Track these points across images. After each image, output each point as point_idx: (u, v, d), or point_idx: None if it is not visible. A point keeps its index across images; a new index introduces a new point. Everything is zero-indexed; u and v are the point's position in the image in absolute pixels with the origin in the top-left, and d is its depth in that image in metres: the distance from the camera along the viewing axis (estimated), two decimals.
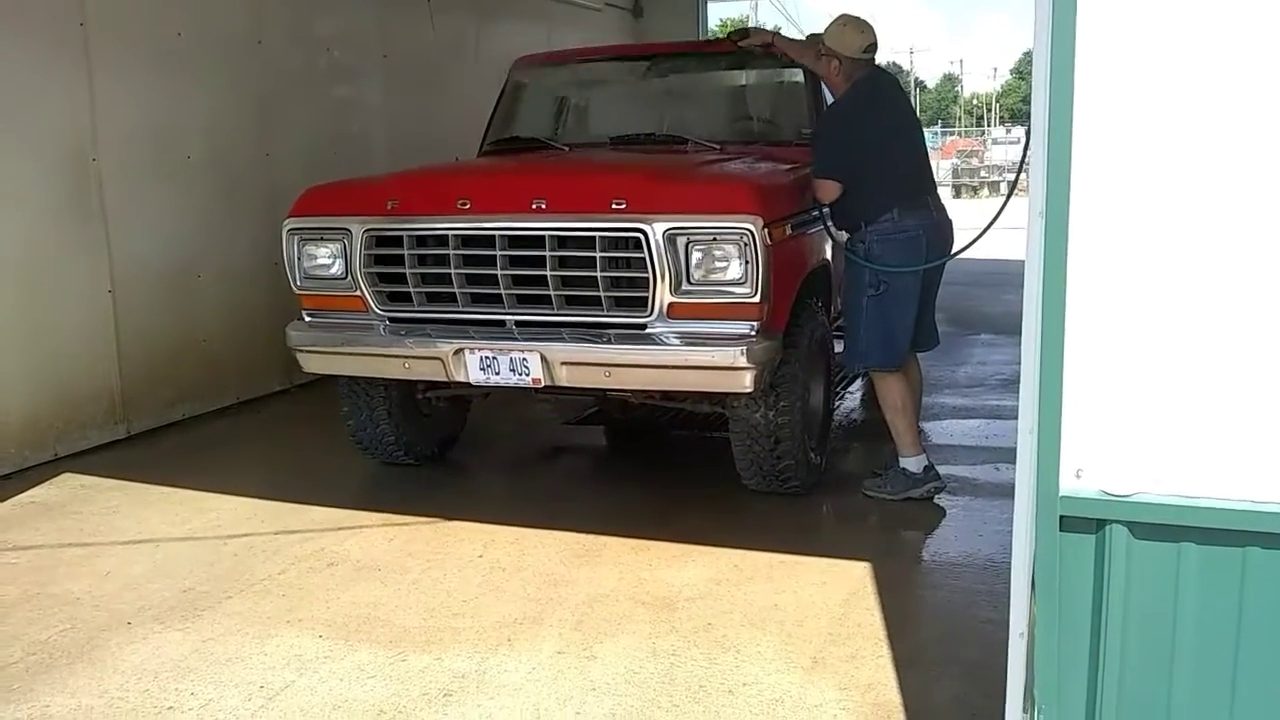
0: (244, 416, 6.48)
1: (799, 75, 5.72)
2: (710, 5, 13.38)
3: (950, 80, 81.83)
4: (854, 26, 4.67)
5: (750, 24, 35.49)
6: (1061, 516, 1.72)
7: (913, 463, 4.69)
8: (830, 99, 5.11)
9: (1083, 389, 1.69)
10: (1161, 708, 1.84)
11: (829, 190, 4.54)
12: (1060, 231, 1.61)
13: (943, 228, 4.66)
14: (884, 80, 4.85)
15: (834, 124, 4.80)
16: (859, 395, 6.95)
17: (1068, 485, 1.71)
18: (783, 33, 5.65)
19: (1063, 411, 1.67)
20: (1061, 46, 1.58)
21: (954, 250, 4.67)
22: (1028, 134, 1.96)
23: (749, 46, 5.49)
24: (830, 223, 4.66)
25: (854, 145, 4.52)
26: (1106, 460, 1.71)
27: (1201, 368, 1.68)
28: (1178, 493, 1.70)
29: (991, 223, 4.29)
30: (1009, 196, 4.28)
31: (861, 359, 4.70)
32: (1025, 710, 1.95)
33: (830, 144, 4.66)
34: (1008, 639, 2.06)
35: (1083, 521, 1.73)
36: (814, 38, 4.96)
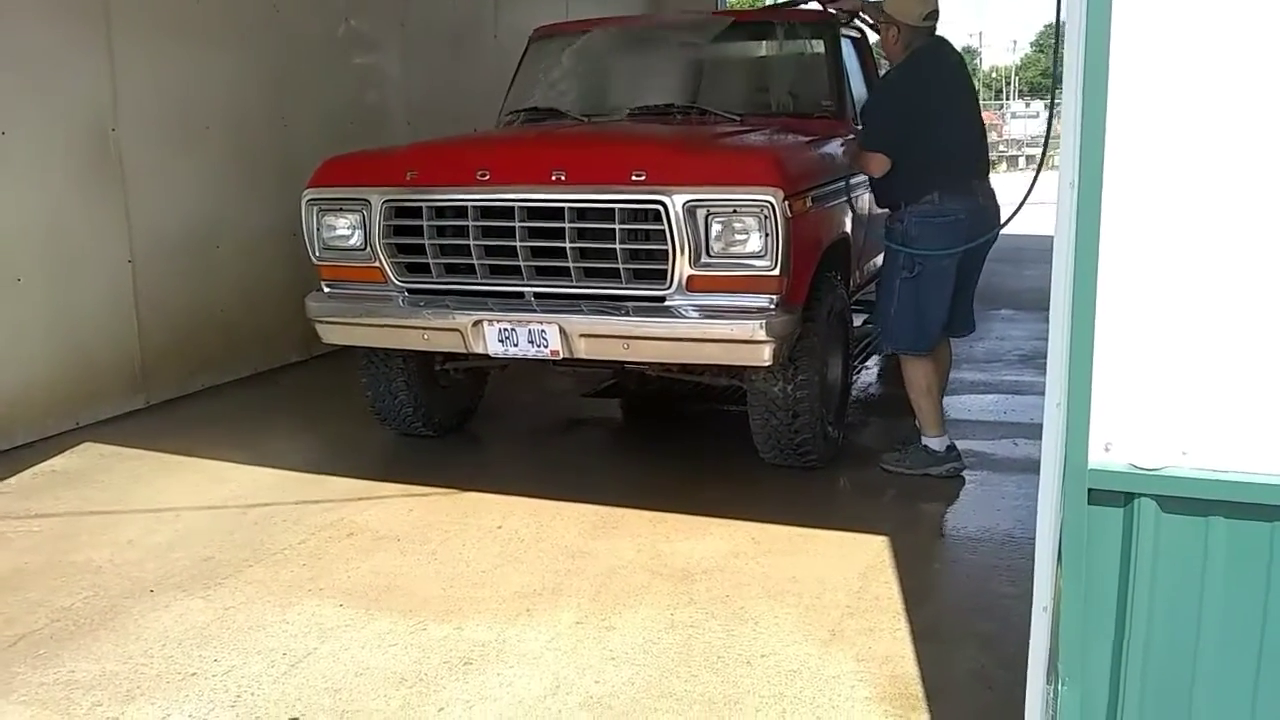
0: (263, 387, 6.51)
1: (821, 47, 5.69)
2: None
3: (969, 53, 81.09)
4: None
5: None
6: (1090, 490, 1.71)
7: (935, 442, 4.66)
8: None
9: (1112, 362, 1.67)
10: (1186, 681, 1.83)
11: (878, 164, 4.44)
12: (1093, 202, 1.59)
13: (987, 215, 4.51)
14: (946, 53, 4.64)
15: (886, 95, 4.67)
16: (876, 369, 6.94)
17: (1096, 458, 1.70)
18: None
19: (1093, 385, 1.66)
20: (1097, 14, 1.56)
21: (984, 235, 4.49)
22: (1051, 107, 1.95)
23: (837, 9, 5.44)
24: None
25: (904, 119, 4.40)
26: (1136, 433, 1.69)
27: (1231, 341, 1.67)
28: (1206, 466, 1.68)
29: (1023, 202, 4.25)
30: (1037, 175, 4.20)
31: (892, 341, 4.64)
32: (1049, 683, 1.95)
33: (881, 115, 4.55)
34: (1027, 612, 2.05)
35: (1111, 495, 1.72)
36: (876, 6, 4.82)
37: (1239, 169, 1.64)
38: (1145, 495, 1.71)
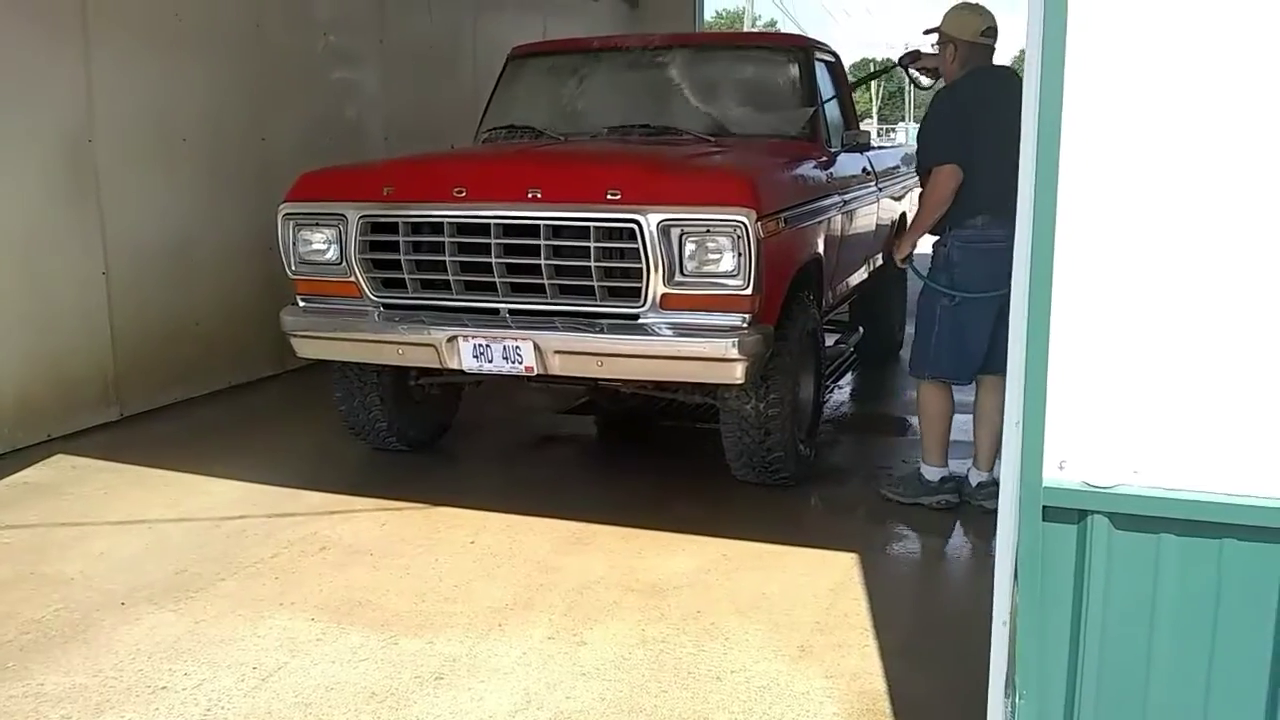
0: (236, 400, 6.50)
1: (795, 70, 5.76)
2: None
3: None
4: (971, 9, 4.42)
5: (746, 17, 35.47)
6: (1045, 507, 1.77)
7: (932, 471, 4.59)
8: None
9: (1067, 382, 1.73)
10: (1139, 695, 1.88)
11: (949, 177, 4.25)
12: (1047, 228, 1.65)
13: None
14: (1003, 75, 4.48)
15: (945, 106, 4.43)
16: (848, 388, 7.01)
17: (1051, 476, 1.76)
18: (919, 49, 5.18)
19: (1047, 404, 1.72)
20: (1052, 52, 1.62)
21: None
22: None
23: (920, 68, 5.00)
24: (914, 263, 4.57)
25: (963, 133, 4.24)
26: (1089, 452, 1.75)
27: (1182, 362, 1.73)
28: (1157, 484, 1.74)
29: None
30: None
31: (930, 366, 4.49)
32: (1006, 696, 2.00)
33: (942, 127, 4.36)
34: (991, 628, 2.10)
35: (1065, 512, 1.78)
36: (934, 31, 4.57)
37: (1186, 197, 1.71)
38: (1098, 513, 1.76)
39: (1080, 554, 1.78)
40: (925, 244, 4.62)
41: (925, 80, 5.13)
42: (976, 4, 4.46)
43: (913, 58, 5.12)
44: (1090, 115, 1.66)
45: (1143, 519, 1.75)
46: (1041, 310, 1.69)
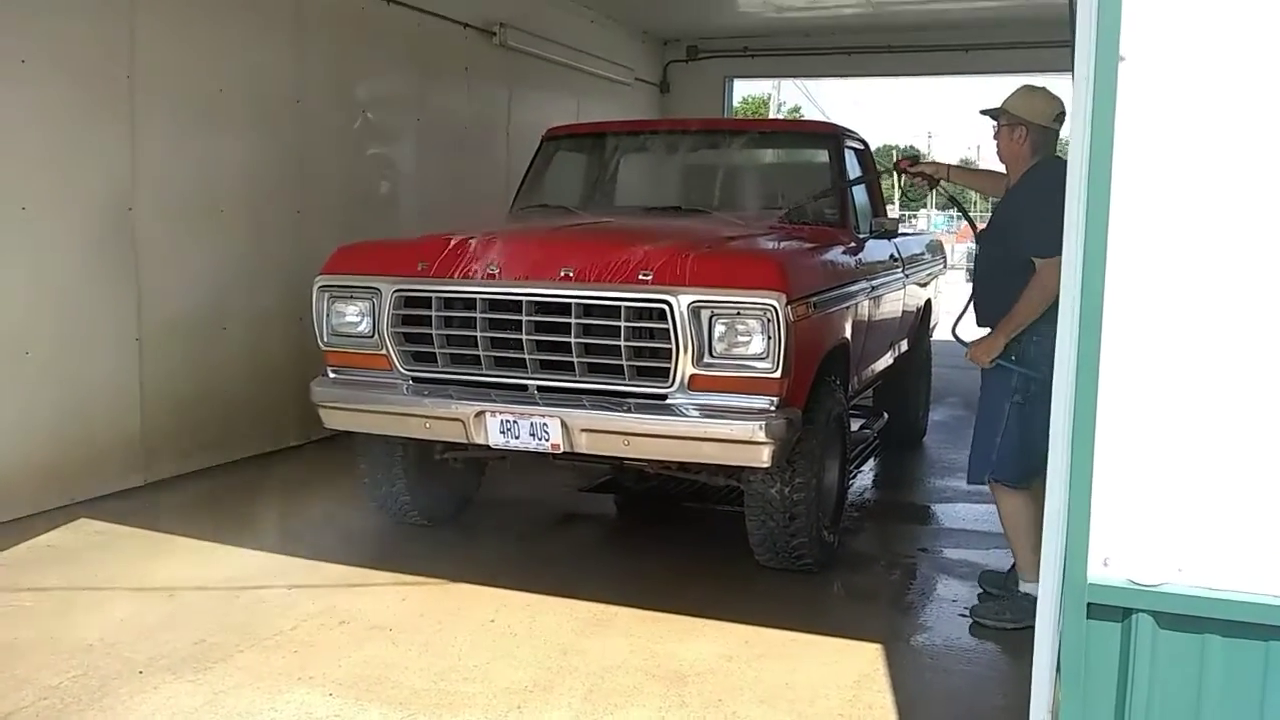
0: (260, 469, 6.51)
1: (824, 156, 5.85)
2: (736, 82, 13.65)
3: (966, 164, 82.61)
4: (1042, 93, 4.20)
5: (772, 102, 36.10)
6: (1089, 604, 1.74)
7: (1035, 588, 4.19)
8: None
9: (1112, 479, 1.72)
10: None
11: (1059, 269, 3.92)
12: (1094, 325, 1.65)
13: None
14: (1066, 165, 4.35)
15: (1042, 195, 3.75)
16: (871, 474, 6.96)
17: (1096, 573, 1.74)
18: (924, 157, 5.08)
19: (1092, 500, 1.70)
20: (1100, 149, 1.64)
21: None
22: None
23: (915, 174, 4.96)
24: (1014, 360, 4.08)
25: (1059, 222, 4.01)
26: (1134, 549, 1.73)
27: (1228, 460, 1.72)
28: (1202, 583, 1.72)
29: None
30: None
31: (994, 469, 4.18)
32: None
33: (1049, 214, 3.80)
34: None
35: (1110, 610, 1.75)
36: (994, 112, 4.31)
37: (1235, 299, 1.71)
38: (1143, 611, 1.74)
39: (1124, 652, 1.75)
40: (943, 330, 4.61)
41: (916, 189, 5.13)
42: (1044, 87, 4.26)
43: (910, 163, 5.08)
44: (1135, 213, 1.68)
45: (1187, 618, 1.72)
46: (1088, 407, 1.68)
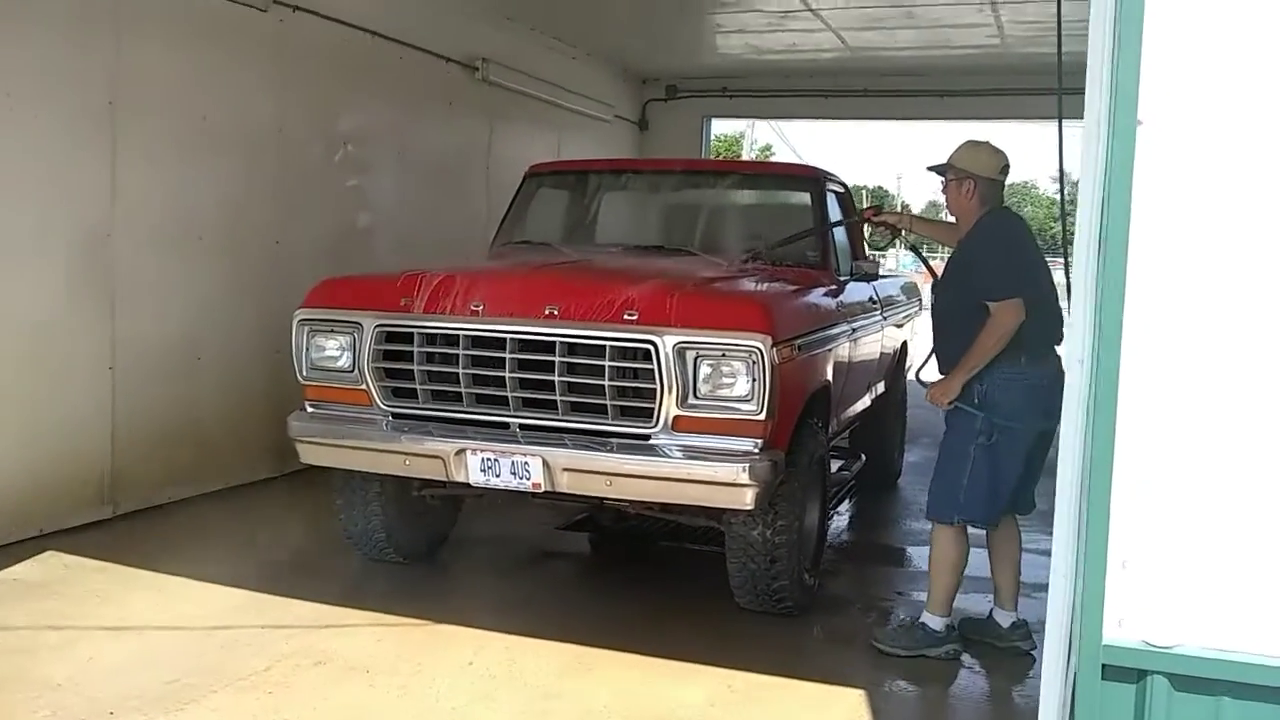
0: (232, 502, 6.41)
1: (807, 198, 5.88)
2: (714, 121, 13.77)
3: (935, 207, 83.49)
4: (986, 147, 4.38)
5: (745, 141, 36.44)
6: (1104, 665, 1.73)
7: (937, 621, 4.36)
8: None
9: (1126, 539, 1.71)
10: None
11: (1015, 312, 4.07)
12: (1110, 383, 1.65)
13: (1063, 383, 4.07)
14: (1019, 216, 4.51)
15: (993, 243, 4.27)
16: (847, 516, 6.96)
17: (1110, 634, 1.72)
18: (889, 204, 5.35)
19: (1108, 561, 1.70)
20: (1118, 204, 1.65)
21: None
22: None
23: (879, 223, 5.21)
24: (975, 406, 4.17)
25: (1015, 267, 4.15)
26: (1148, 610, 1.72)
27: (1243, 520, 1.72)
28: (1217, 645, 1.71)
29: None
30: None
31: (958, 510, 4.25)
32: None
33: (1007, 261, 4.20)
34: None
35: (1124, 671, 1.74)
36: (941, 169, 4.47)
37: (1250, 356, 1.72)
38: (1157, 673, 1.73)
39: (1139, 714, 1.74)
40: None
41: (880, 236, 5.28)
42: (987, 141, 4.43)
43: (874, 211, 5.27)
44: (1151, 270, 1.69)
45: (1202, 680, 1.71)
46: (1104, 465, 1.68)
